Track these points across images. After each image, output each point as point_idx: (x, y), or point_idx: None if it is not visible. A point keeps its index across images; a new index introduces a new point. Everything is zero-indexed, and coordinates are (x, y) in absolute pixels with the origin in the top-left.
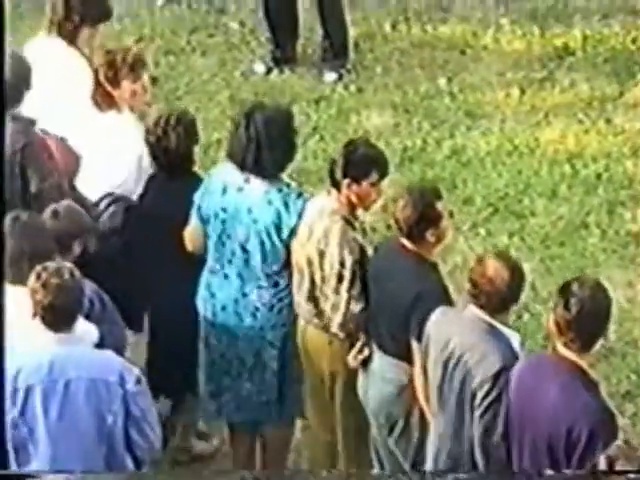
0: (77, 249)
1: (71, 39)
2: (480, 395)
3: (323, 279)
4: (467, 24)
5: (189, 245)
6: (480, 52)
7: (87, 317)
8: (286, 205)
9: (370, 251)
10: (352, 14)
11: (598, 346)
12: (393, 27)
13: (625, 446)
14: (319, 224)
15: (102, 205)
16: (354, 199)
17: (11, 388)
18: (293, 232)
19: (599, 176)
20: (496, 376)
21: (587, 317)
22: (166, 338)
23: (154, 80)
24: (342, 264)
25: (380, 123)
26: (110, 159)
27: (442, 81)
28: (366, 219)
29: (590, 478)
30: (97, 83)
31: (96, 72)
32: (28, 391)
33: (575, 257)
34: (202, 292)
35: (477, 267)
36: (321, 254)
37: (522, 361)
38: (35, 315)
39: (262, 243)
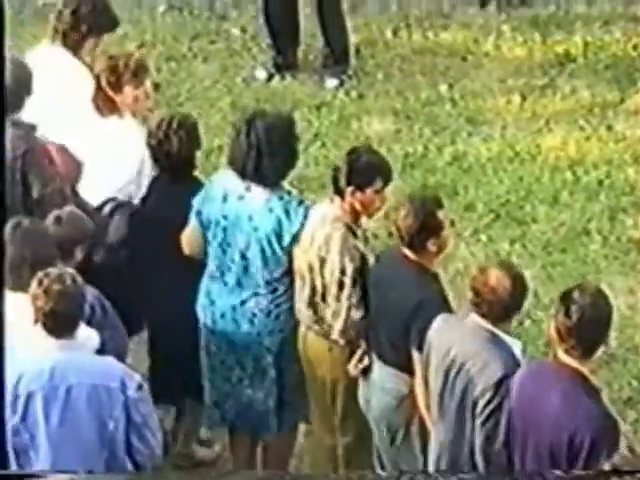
0: (79, 255)
1: (75, 49)
2: (482, 403)
3: (323, 286)
4: (468, 31)
5: (186, 248)
6: (481, 59)
7: (88, 323)
8: (287, 213)
9: (371, 259)
10: (353, 20)
11: (599, 353)
12: (394, 33)
13: (630, 455)
14: (321, 231)
15: (105, 210)
16: (358, 207)
17: (12, 394)
18: (294, 239)
19: (600, 183)
20: (498, 384)
21: (588, 324)
22: (166, 344)
23: (156, 86)
24: (343, 272)
25: (381, 129)
26: (112, 164)
27: (443, 87)
28: (368, 226)
29: (596, 478)
30: (99, 88)
31: (98, 77)
32: (29, 397)
33: (576, 264)
34: (202, 299)
35: (479, 276)
36: (322, 261)
37: (523, 368)
38: (36, 321)
39: (262, 251)
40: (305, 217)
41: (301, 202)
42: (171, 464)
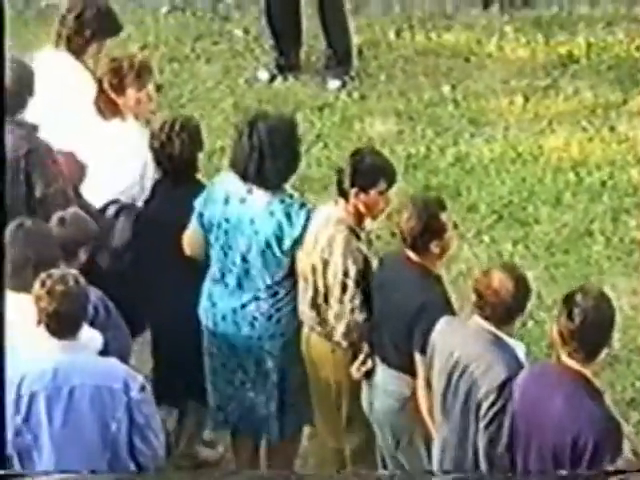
0: (83, 256)
1: (79, 53)
2: (485, 406)
3: (326, 288)
4: (471, 32)
5: (187, 249)
6: (484, 60)
7: (91, 324)
8: (288, 216)
9: (374, 262)
10: (356, 21)
11: (603, 355)
12: (397, 34)
13: (634, 458)
14: (324, 233)
15: (109, 213)
16: (362, 208)
17: (15, 395)
18: (295, 243)
19: (603, 184)
20: (501, 387)
21: (590, 327)
22: (169, 347)
23: (158, 87)
24: (346, 274)
25: (384, 130)
26: (115, 167)
27: (446, 88)
28: (371, 227)
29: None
30: (101, 91)
31: (100, 80)
32: (32, 398)
33: (579, 265)
34: (204, 302)
35: (482, 278)
36: (325, 263)
37: (526, 370)
38: (39, 322)
39: (263, 254)
40: (307, 221)
41: (303, 205)
42: (175, 464)
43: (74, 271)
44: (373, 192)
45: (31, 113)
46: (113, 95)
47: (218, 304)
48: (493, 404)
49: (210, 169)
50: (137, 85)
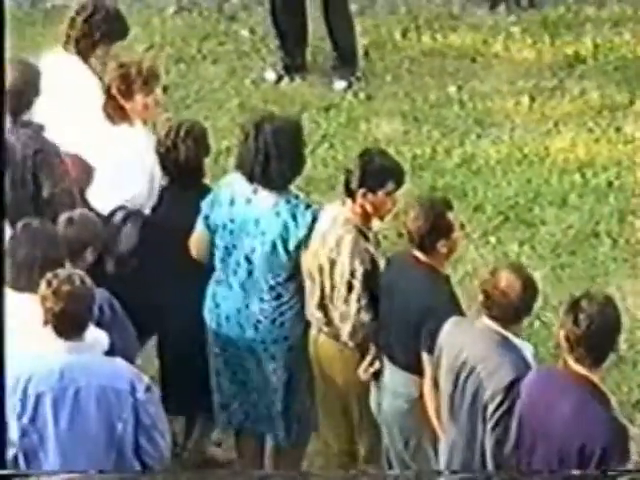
0: (90, 257)
1: (86, 55)
2: (492, 407)
3: (333, 288)
4: (477, 32)
5: (194, 251)
6: (490, 60)
7: (97, 324)
8: (294, 217)
9: (382, 262)
10: (362, 22)
11: (609, 360)
12: (403, 35)
13: None
14: (332, 233)
15: (116, 219)
16: (370, 209)
17: (22, 395)
18: (301, 244)
19: (609, 185)
20: (508, 388)
21: (597, 333)
22: (175, 352)
23: (164, 88)
24: (353, 274)
25: (390, 131)
26: (122, 172)
27: (452, 89)
28: (378, 227)
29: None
30: (109, 96)
31: (109, 86)
32: (39, 398)
33: (585, 266)
34: (208, 303)
35: (490, 278)
36: (332, 263)
37: (532, 373)
38: (46, 323)
39: (268, 254)
40: (313, 221)
41: (308, 206)
42: (185, 464)
43: (80, 271)
44: (381, 193)
45: (38, 114)
46: (122, 100)
47: (222, 305)
48: (500, 405)
49: (216, 170)
50: (145, 90)
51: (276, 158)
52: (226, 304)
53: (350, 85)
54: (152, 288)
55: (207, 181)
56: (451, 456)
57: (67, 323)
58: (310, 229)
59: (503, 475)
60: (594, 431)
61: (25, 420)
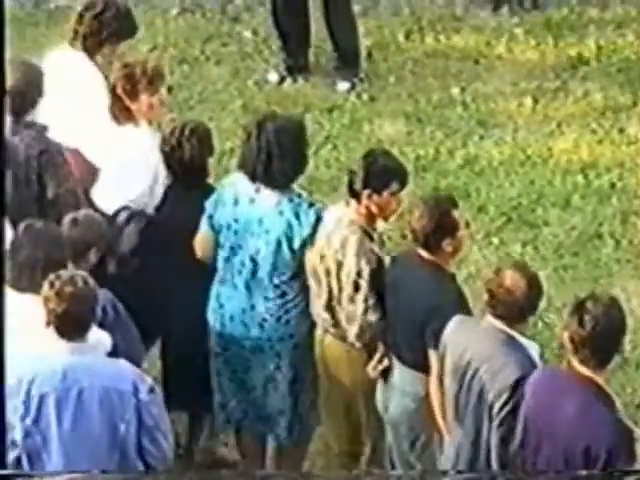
0: (93, 258)
1: (93, 53)
2: (498, 405)
3: (340, 289)
4: (481, 34)
5: (198, 252)
6: (494, 62)
7: (100, 325)
8: (297, 215)
9: (387, 261)
10: (365, 23)
11: (614, 362)
12: (406, 37)
13: None
14: (337, 234)
15: (120, 219)
16: (374, 209)
17: (25, 396)
18: (305, 242)
19: (612, 186)
20: (514, 387)
21: (602, 334)
22: (179, 351)
23: (168, 89)
24: (359, 274)
25: (393, 132)
26: (127, 172)
27: (455, 90)
28: (383, 228)
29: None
30: (115, 96)
31: (114, 86)
32: (42, 399)
33: (589, 267)
34: (212, 303)
35: (495, 277)
36: (339, 264)
37: (537, 373)
38: (49, 324)
39: (272, 253)
40: (316, 220)
41: (311, 205)
42: (193, 464)
43: (83, 272)
44: (385, 193)
45: (43, 113)
46: (127, 101)
47: (226, 305)
48: (506, 403)
49: (219, 170)
50: (150, 90)
51: (278, 157)
52: (230, 304)
53: (353, 86)
54: (155, 288)
55: (210, 182)
56: (457, 455)
57: (70, 324)
58: (314, 228)
59: (508, 475)
60: (599, 433)
61: (28, 421)
